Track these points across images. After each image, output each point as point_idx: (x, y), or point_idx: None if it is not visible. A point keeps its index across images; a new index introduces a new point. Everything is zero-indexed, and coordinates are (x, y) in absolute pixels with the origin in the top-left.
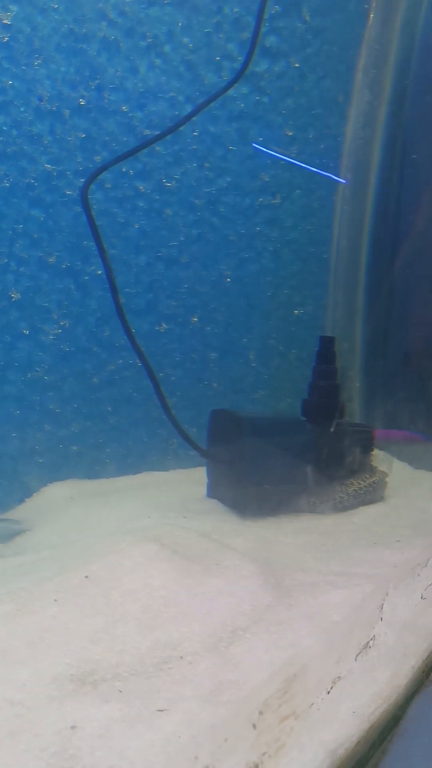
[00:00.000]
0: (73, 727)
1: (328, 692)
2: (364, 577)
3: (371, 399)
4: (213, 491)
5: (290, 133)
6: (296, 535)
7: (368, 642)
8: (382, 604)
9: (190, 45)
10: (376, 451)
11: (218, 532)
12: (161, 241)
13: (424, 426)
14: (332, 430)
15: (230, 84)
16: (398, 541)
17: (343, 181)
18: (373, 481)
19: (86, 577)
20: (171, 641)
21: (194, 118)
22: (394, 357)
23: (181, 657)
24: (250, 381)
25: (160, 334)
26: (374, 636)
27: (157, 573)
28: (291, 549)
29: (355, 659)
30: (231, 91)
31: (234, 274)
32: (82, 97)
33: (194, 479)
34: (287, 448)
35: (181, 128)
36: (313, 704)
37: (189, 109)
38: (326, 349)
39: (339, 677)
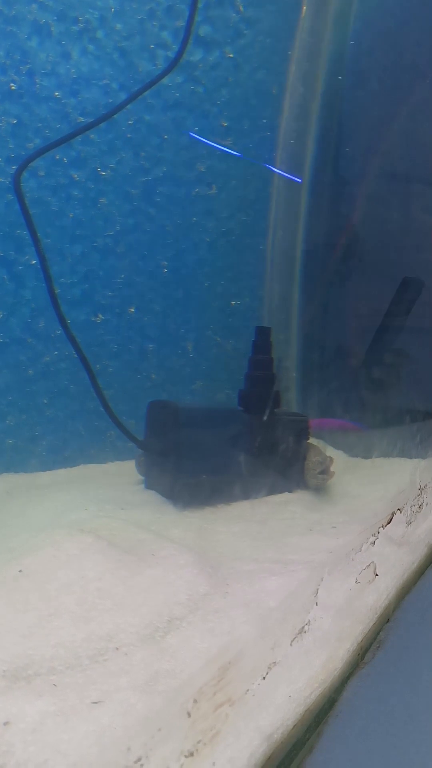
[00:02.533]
0: (5, 723)
1: (264, 678)
2: (300, 563)
3: (307, 389)
4: (151, 483)
5: (225, 124)
6: (233, 524)
7: (303, 627)
8: (317, 590)
9: (124, 32)
10: (312, 440)
11: (156, 523)
12: (97, 230)
13: (357, 415)
14: (267, 419)
15: (165, 72)
16: (333, 527)
17: (298, 180)
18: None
19: (20, 571)
20: (106, 633)
21: (129, 106)
22: (329, 348)
23: (117, 648)
24: (188, 372)
25: (97, 325)
26: (309, 621)
27: (92, 565)
28: (228, 538)
29: (291, 644)
30: (166, 80)
31: (171, 264)
32: (13, 81)
33: (132, 471)
34: (223, 438)
35: (116, 116)
36: (248, 690)
37: (123, 96)
38: (262, 340)
39: (275, 663)
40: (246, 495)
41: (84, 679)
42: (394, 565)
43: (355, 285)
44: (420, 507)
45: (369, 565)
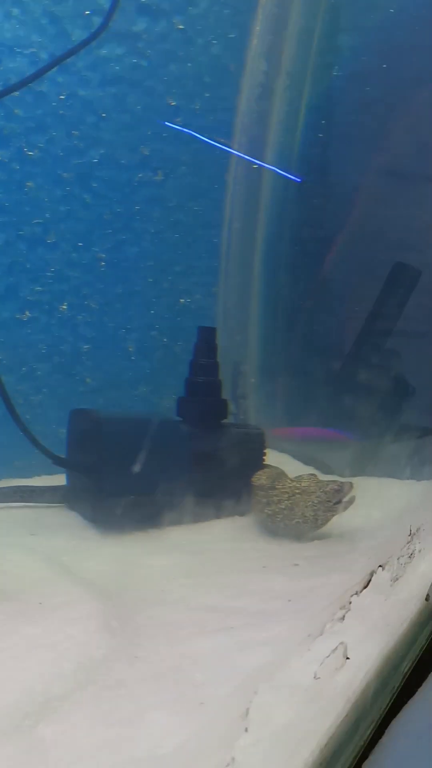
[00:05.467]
0: None
1: None
2: (245, 615)
3: (269, 396)
4: (73, 503)
5: (173, 103)
6: (165, 555)
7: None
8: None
9: None
10: (275, 454)
11: (69, 552)
12: (23, 217)
13: (327, 423)
14: (212, 431)
15: (93, 37)
16: (296, 564)
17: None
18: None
19: None
20: None
21: (60, 79)
22: (295, 351)
23: None
24: (129, 376)
25: (23, 323)
26: (246, 728)
27: None
28: (155, 573)
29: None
30: (104, 51)
31: (110, 257)
32: None
33: None
34: (158, 453)
35: (44, 89)
36: None
37: (54, 68)
38: (206, 342)
39: None
40: (184, 519)
41: None
42: (372, 642)
43: (326, 279)
44: (410, 556)
45: (336, 648)
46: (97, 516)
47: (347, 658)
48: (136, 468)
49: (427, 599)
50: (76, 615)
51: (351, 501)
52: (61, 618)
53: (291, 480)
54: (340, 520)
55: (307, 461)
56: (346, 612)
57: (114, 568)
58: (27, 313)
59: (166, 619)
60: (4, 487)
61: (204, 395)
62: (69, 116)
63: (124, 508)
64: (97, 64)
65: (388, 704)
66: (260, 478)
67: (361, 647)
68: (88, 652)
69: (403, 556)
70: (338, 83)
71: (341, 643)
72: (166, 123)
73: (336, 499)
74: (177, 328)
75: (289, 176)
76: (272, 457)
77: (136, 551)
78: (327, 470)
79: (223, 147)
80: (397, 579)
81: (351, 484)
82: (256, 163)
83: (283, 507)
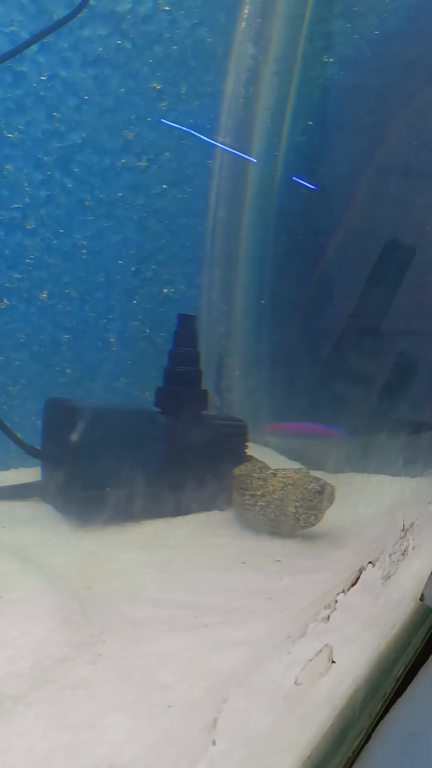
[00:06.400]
0: None
1: None
2: (220, 612)
3: (253, 389)
4: (46, 495)
5: (158, 87)
6: (139, 550)
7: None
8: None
9: None
10: (256, 447)
11: (38, 546)
12: (1, 202)
13: (315, 418)
14: (191, 422)
15: (72, 15)
16: (277, 561)
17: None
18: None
19: None
20: None
21: (42, 59)
22: (281, 343)
23: None
24: (109, 367)
25: (1, 311)
26: (214, 741)
27: None
28: (127, 568)
29: None
30: (86, 32)
31: (91, 244)
32: None
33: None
34: (134, 444)
35: (25, 69)
36: None
37: (34, 47)
38: (186, 330)
39: None
40: (162, 512)
41: None
42: (360, 645)
43: (314, 269)
44: (404, 553)
45: (320, 650)
46: (69, 509)
47: (333, 662)
48: (110, 460)
49: (421, 599)
50: (37, 610)
51: (330, 502)
52: (19, 613)
53: (273, 474)
54: (327, 516)
55: (293, 456)
56: (332, 612)
57: (83, 562)
58: (5, 300)
59: (135, 615)
60: None
61: (183, 385)
62: (50, 97)
63: (97, 501)
64: (79, 44)
65: (379, 712)
66: (242, 472)
67: (348, 650)
68: (46, 649)
69: (395, 552)
70: (329, 70)
71: (326, 645)
72: (162, 120)
73: (317, 500)
74: (160, 319)
75: (301, 179)
76: (257, 452)
77: (108, 545)
78: (314, 466)
79: (216, 143)
80: (389, 577)
81: (333, 488)
82: (246, 158)
83: (265, 502)
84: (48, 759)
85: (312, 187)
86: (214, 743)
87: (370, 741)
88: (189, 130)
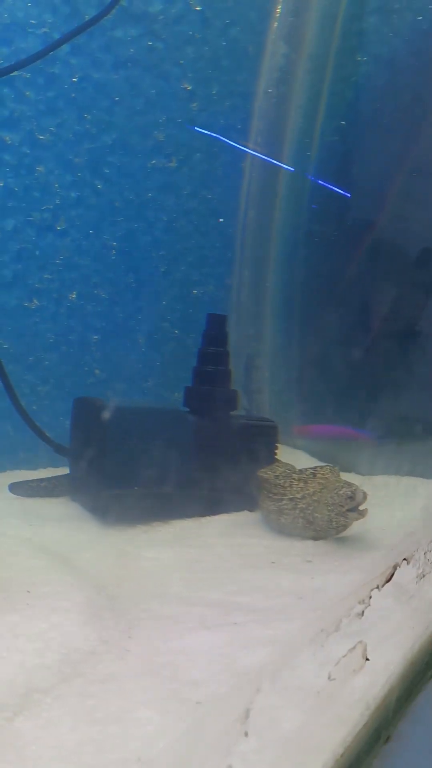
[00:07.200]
0: None
1: None
2: (250, 611)
3: (284, 390)
4: (75, 494)
5: (189, 88)
6: (167, 549)
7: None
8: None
9: None
10: (286, 449)
11: (66, 544)
12: (32, 203)
13: (342, 421)
14: (220, 422)
15: (103, 13)
16: (308, 561)
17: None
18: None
19: None
20: None
21: (73, 61)
22: (311, 345)
23: None
24: (139, 368)
25: (31, 311)
26: (246, 733)
27: None
28: (155, 566)
29: None
30: (118, 33)
31: (121, 246)
32: None
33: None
34: (162, 444)
35: (57, 71)
36: None
37: (66, 49)
38: (215, 329)
39: None
40: (190, 512)
41: None
42: (395, 642)
43: (345, 270)
44: None
45: (354, 647)
46: (97, 507)
47: (367, 659)
48: (139, 459)
49: None
50: (65, 605)
51: (362, 513)
52: (48, 607)
53: (304, 475)
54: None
55: (324, 459)
56: (366, 607)
57: (111, 560)
58: (35, 301)
59: (164, 612)
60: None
61: (212, 385)
62: (81, 99)
63: (126, 500)
64: (110, 45)
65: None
66: (271, 473)
67: (382, 649)
68: (76, 643)
69: (430, 551)
70: (363, 68)
71: (360, 642)
72: (195, 128)
73: (348, 506)
74: (188, 320)
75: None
76: (287, 454)
77: (136, 544)
78: (345, 468)
79: (246, 149)
80: (423, 576)
81: (365, 494)
82: (275, 164)
83: (294, 504)
84: (76, 752)
85: (345, 194)
86: (246, 734)
87: (398, 742)
88: (220, 137)
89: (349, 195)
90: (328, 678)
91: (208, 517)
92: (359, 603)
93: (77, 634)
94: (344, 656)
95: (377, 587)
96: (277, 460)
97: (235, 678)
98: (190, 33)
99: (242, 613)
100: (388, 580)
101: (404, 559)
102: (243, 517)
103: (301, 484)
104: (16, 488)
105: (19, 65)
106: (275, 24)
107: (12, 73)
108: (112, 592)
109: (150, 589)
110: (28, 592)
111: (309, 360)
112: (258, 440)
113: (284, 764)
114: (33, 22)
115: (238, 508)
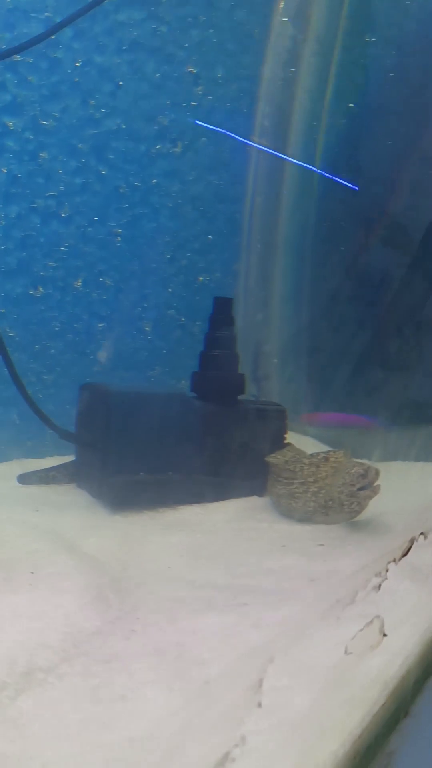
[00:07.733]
0: None
1: None
2: (259, 593)
3: (292, 377)
4: (81, 480)
5: (194, 71)
6: (174, 534)
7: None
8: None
9: None
10: (295, 435)
11: (72, 529)
12: (36, 189)
13: (351, 407)
14: (228, 407)
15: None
16: (320, 545)
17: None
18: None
19: None
20: None
21: (76, 45)
22: (320, 331)
23: None
24: (144, 356)
25: (36, 299)
26: (260, 703)
27: None
28: (162, 550)
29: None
30: (120, 16)
31: (126, 232)
32: None
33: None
34: (169, 429)
35: (59, 56)
36: None
37: (69, 33)
38: (222, 313)
39: None
40: (198, 498)
41: None
42: (414, 620)
43: (357, 254)
44: None
45: (371, 621)
46: (103, 494)
47: (384, 635)
48: (145, 445)
49: None
50: (68, 585)
51: (375, 490)
52: (51, 588)
53: (315, 459)
54: (370, 504)
55: (334, 446)
56: (383, 581)
57: (117, 544)
58: (40, 288)
59: (171, 595)
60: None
61: (219, 369)
62: (85, 84)
63: (132, 487)
64: (114, 29)
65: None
66: (281, 457)
67: (399, 627)
68: (79, 623)
69: None
70: (372, 50)
71: (377, 616)
72: (197, 122)
73: (360, 485)
74: (195, 308)
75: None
76: (296, 441)
77: (143, 529)
78: (356, 455)
79: (251, 143)
80: None
81: (377, 471)
82: (291, 161)
83: (306, 488)
84: (79, 731)
85: (353, 187)
86: (259, 705)
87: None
88: (226, 132)
89: (356, 184)
90: (345, 651)
91: (216, 503)
92: (376, 576)
93: (80, 614)
94: (361, 630)
95: (394, 560)
96: (288, 444)
97: (245, 656)
98: (195, 16)
99: (252, 595)
100: (405, 554)
101: (421, 533)
102: (252, 502)
103: (313, 468)
104: (23, 479)
105: (20, 48)
106: (282, 5)
107: (14, 55)
108: (118, 574)
109: (156, 572)
110: (32, 573)
111: (317, 347)
112: (267, 425)
113: (298, 740)
114: (36, 6)
115: (246, 494)
